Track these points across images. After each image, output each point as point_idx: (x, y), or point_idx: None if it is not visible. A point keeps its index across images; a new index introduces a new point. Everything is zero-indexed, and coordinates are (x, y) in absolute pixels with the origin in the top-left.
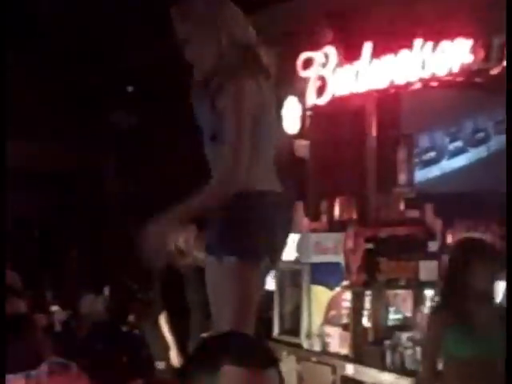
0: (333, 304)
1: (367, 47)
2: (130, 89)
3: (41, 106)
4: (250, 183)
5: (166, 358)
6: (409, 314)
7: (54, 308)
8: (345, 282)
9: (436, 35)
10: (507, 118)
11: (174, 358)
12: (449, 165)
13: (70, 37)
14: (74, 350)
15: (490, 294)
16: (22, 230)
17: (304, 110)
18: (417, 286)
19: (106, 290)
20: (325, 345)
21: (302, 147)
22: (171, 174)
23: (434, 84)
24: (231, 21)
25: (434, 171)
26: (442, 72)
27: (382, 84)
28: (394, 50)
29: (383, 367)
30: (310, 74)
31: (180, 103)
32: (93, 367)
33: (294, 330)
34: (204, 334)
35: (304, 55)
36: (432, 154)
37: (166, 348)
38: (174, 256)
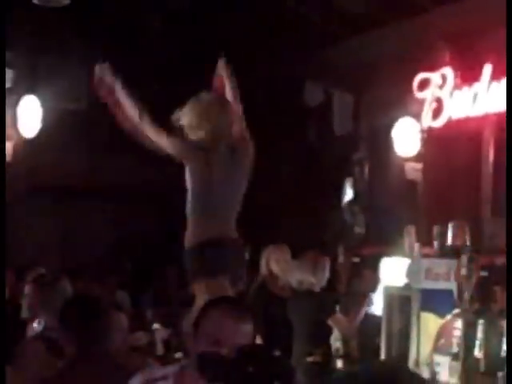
0: (443, 332)
1: (487, 69)
2: None
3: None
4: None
5: None
6: None
7: (156, 326)
8: (456, 310)
9: None
10: (507, 117)
11: None
12: None
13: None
14: (221, 370)
15: None
16: (125, 247)
17: (418, 132)
18: None
19: None
20: (434, 374)
21: (414, 170)
22: (276, 196)
23: None
24: None
25: None
26: None
27: (500, 107)
28: None
29: None
30: (426, 95)
31: (289, 123)
32: None
33: (402, 357)
34: (309, 358)
35: (420, 76)
36: None
37: None
38: (266, 277)
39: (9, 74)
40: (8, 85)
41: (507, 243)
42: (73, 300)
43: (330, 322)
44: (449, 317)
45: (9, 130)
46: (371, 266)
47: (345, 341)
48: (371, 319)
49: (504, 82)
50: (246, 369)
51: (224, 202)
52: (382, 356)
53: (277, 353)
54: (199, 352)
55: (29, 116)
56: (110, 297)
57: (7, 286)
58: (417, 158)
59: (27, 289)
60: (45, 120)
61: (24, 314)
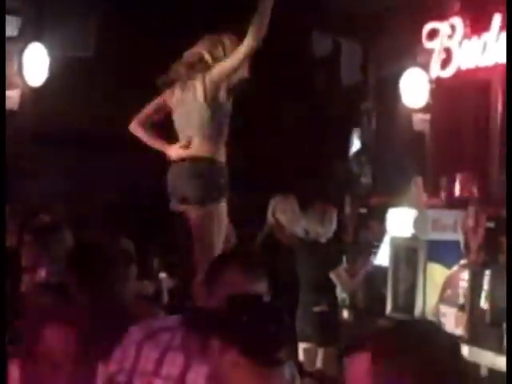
0: (449, 283)
1: (496, 19)
2: None
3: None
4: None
5: None
6: None
7: (162, 275)
8: (463, 261)
9: None
10: (507, 116)
11: None
12: None
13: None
14: (215, 323)
15: None
16: (131, 197)
17: (427, 82)
18: None
19: None
20: (440, 324)
21: (422, 121)
22: (283, 147)
23: None
24: None
25: None
26: None
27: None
28: None
29: (501, 350)
30: (435, 45)
31: (296, 73)
32: (243, 341)
33: (408, 308)
34: (316, 308)
35: (429, 26)
36: None
37: None
38: (273, 227)
39: (15, 21)
40: (14, 33)
41: (507, 237)
42: (85, 247)
43: (331, 275)
44: (455, 268)
45: (15, 78)
46: (378, 217)
47: (351, 291)
48: (378, 270)
49: None
50: (239, 319)
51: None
52: (388, 306)
53: (266, 298)
54: (187, 309)
55: (35, 64)
56: (118, 245)
57: (12, 235)
58: (425, 109)
59: (26, 237)
60: (51, 68)
61: (24, 262)
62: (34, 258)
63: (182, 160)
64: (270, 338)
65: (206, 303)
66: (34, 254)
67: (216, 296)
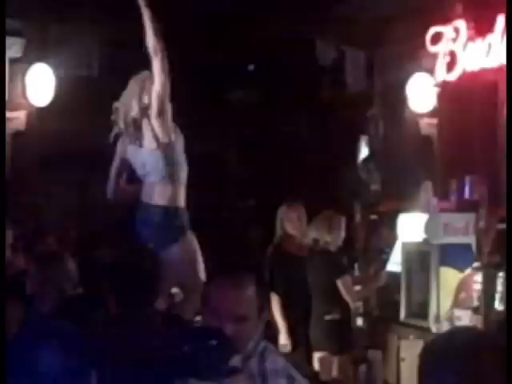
0: (463, 286)
1: (500, 20)
2: (251, 67)
3: None
4: None
5: (274, 342)
6: None
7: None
8: (476, 264)
9: None
10: (507, 117)
11: (283, 341)
12: None
13: (190, 15)
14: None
15: None
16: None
17: (433, 86)
18: None
19: None
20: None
21: (429, 125)
22: (291, 156)
23: None
24: None
25: None
26: None
27: None
28: None
29: None
30: (439, 49)
31: (302, 83)
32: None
33: (422, 313)
34: (327, 317)
35: (433, 30)
36: None
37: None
38: (282, 238)
39: (19, 42)
40: (18, 54)
41: (507, 236)
42: (122, 260)
43: (337, 282)
44: (468, 271)
45: (20, 99)
46: (389, 223)
47: (355, 301)
48: (391, 276)
49: None
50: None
51: None
52: (402, 312)
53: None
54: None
55: (39, 84)
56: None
57: (19, 257)
58: (432, 113)
59: (29, 265)
60: (56, 88)
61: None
62: (37, 287)
63: None
64: (212, 357)
65: (203, 318)
66: (36, 282)
67: (207, 309)
